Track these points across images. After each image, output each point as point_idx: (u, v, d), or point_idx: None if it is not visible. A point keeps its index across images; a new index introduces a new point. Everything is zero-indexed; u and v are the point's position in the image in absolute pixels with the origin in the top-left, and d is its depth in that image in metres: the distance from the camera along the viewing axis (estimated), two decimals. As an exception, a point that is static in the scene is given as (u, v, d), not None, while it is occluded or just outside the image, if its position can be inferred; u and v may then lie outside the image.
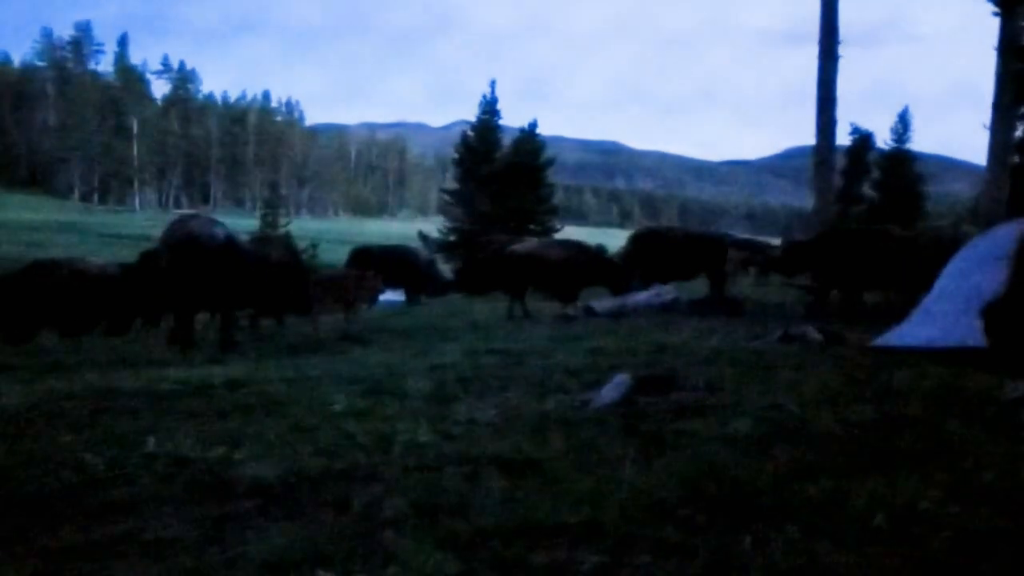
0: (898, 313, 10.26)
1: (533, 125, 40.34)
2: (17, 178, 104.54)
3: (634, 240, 18.12)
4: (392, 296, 22.26)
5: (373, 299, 16.49)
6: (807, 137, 20.93)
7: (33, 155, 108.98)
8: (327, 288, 14.71)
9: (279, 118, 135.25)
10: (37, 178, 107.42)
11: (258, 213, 47.07)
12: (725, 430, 5.25)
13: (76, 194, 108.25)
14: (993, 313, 8.47)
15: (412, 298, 22.31)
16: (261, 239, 19.14)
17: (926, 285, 9.83)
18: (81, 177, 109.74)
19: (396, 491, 4.15)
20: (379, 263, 20.17)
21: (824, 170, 20.62)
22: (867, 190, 44.68)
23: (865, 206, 43.20)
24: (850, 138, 43.44)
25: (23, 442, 5.51)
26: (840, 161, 34.61)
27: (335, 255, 28.78)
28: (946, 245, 12.02)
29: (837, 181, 28.57)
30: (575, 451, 4.85)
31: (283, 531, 3.66)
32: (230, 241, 12.67)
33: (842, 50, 20.16)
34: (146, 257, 14.25)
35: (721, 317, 13.26)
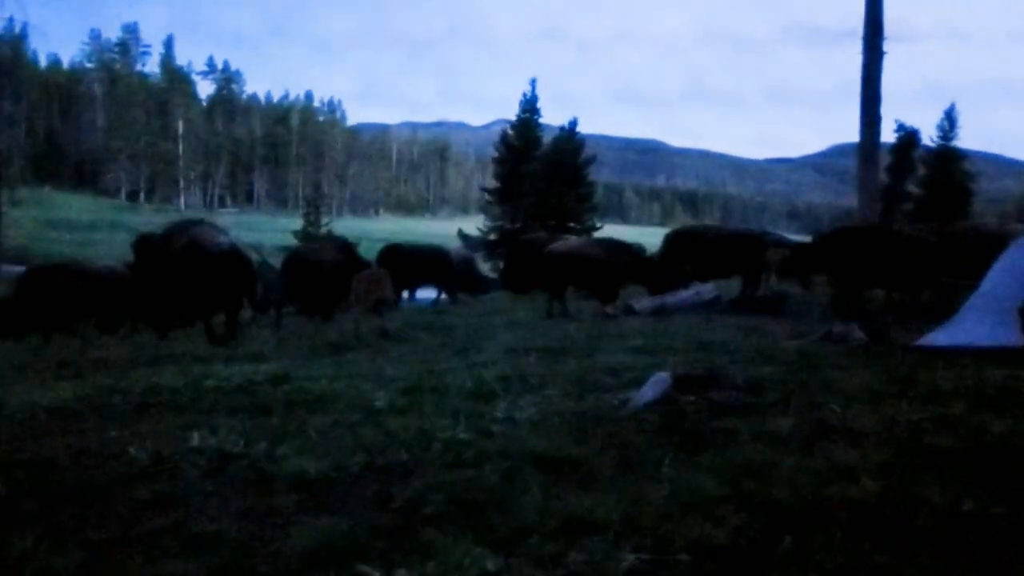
0: (942, 312, 10.11)
1: (573, 123, 40.30)
2: (66, 178, 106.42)
3: (670, 239, 17.96)
4: (425, 294, 22.35)
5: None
6: (852, 134, 20.71)
7: (81, 155, 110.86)
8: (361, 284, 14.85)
9: (321, 118, 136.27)
10: (85, 177, 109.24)
11: (300, 212, 47.45)
12: (766, 429, 5.22)
13: (123, 193, 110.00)
14: None
15: (450, 296, 22.34)
16: (319, 240, 19.56)
17: (935, 284, 9.69)
18: (128, 176, 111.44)
19: (436, 487, 4.18)
20: (409, 261, 20.27)
21: (868, 168, 20.35)
22: (913, 188, 44.00)
23: (911, 204, 42.54)
24: (896, 135, 42.80)
25: (72, 436, 5.63)
26: (886, 159, 34.14)
27: (375, 254, 28.94)
28: (988, 243, 11.83)
29: (882, 179, 28.16)
30: (614, 449, 4.85)
31: (324, 526, 3.70)
32: (234, 248, 13.95)
33: (887, 46, 19.90)
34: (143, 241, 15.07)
35: (763, 316, 13.16)
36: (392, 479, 4.39)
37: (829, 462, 4.42)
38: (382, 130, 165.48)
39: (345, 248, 18.02)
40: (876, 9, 19.87)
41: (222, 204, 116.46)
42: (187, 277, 13.21)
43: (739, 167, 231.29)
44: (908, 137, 43.66)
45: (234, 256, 13.85)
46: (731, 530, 3.49)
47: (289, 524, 3.77)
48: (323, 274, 16.59)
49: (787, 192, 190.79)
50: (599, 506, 3.80)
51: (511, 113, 41.29)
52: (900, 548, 3.25)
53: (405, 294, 22.01)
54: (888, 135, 39.16)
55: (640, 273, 16.33)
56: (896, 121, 43.35)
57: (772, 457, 4.55)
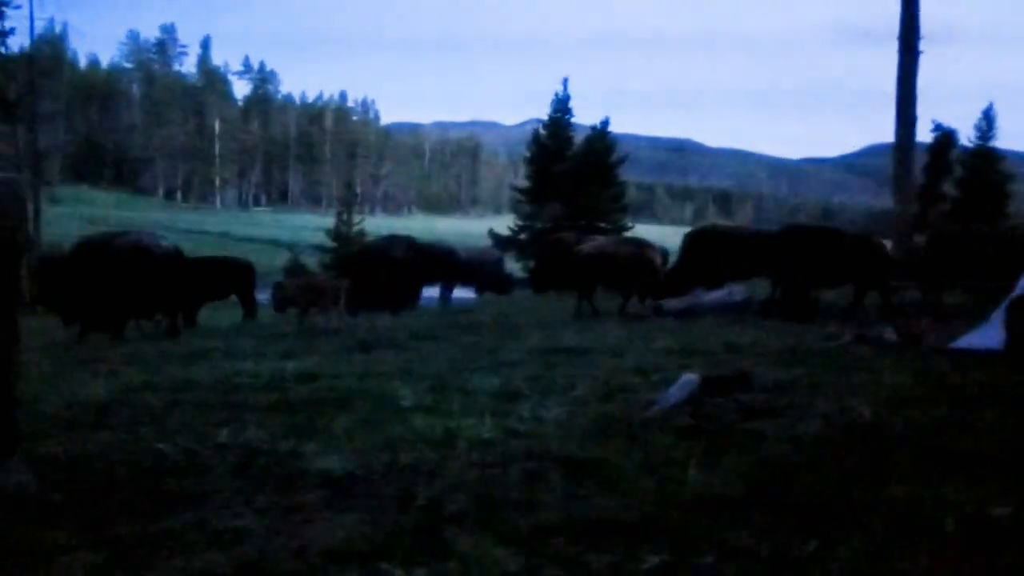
0: (976, 315, 9.97)
1: (605, 123, 40.18)
2: (104, 176, 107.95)
3: (690, 239, 17.13)
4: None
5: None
6: (888, 134, 20.47)
7: (120, 154, 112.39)
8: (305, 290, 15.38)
9: (355, 117, 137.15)
10: (123, 176, 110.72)
11: (334, 211, 47.76)
12: (793, 431, 5.18)
13: (160, 192, 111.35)
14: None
15: (445, 296, 22.36)
16: (386, 239, 20.09)
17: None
18: (165, 175, 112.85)
19: (459, 486, 4.19)
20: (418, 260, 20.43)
21: (904, 168, 20.11)
22: (949, 188, 43.36)
23: (948, 204, 41.92)
24: (932, 135, 42.18)
25: (103, 432, 5.70)
26: (922, 159, 33.69)
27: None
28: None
29: (918, 179, 27.82)
30: (639, 450, 4.83)
31: (348, 523, 3.72)
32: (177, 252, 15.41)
33: (923, 45, 19.63)
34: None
35: (794, 317, 13.04)
36: (416, 478, 4.40)
37: (856, 465, 4.38)
38: (415, 129, 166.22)
39: (411, 245, 18.61)
40: (912, 9, 19.64)
41: (257, 203, 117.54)
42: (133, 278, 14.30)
43: (773, 167, 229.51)
44: (945, 137, 43.00)
45: (176, 258, 15.24)
46: (755, 532, 3.46)
47: (313, 521, 3.79)
48: (394, 270, 17.21)
49: (822, 192, 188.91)
50: (622, 507, 3.79)
51: (543, 112, 41.24)
52: (926, 552, 3.20)
53: (436, 292, 22.21)
54: (925, 135, 38.61)
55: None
56: (933, 121, 42.73)
57: (799, 459, 4.52)
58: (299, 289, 15.26)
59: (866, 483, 4.03)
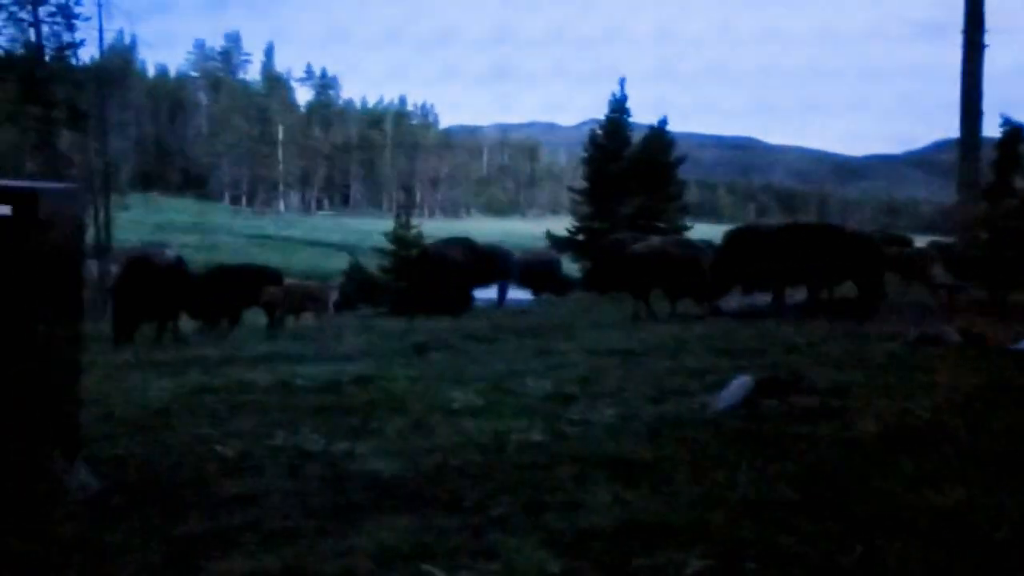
0: None
1: (663, 122, 39.81)
2: (173, 183, 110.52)
3: (729, 239, 16.00)
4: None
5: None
6: (954, 129, 19.98)
7: (187, 160, 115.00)
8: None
9: (414, 121, 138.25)
10: (191, 182, 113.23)
11: (393, 214, 48.20)
12: (848, 435, 5.10)
13: (226, 197, 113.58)
14: None
15: (500, 298, 22.48)
16: (447, 241, 20.53)
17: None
18: (230, 181, 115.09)
19: (506, 489, 4.21)
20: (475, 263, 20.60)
21: (969, 163, 19.62)
22: (1020, 184, 42.06)
23: (1016, 200, 40.69)
24: (1001, 130, 40.99)
25: (164, 433, 5.85)
26: (991, 154, 32.79)
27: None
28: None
29: (986, 175, 27.09)
30: (689, 454, 4.81)
31: (395, 525, 3.76)
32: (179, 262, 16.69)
33: (989, 38, 19.15)
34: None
35: (856, 317, 12.81)
36: (465, 480, 4.44)
37: (911, 469, 4.30)
38: (473, 132, 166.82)
39: (469, 248, 18.96)
40: (976, 2, 19.16)
41: (319, 207, 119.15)
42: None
43: (837, 164, 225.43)
44: (1014, 132, 41.79)
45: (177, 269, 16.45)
46: (802, 538, 3.42)
47: (362, 522, 3.85)
48: (455, 272, 17.58)
49: (887, 189, 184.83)
50: (669, 511, 3.78)
51: (602, 113, 41.02)
52: (977, 561, 3.14)
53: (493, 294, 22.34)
54: (994, 130, 37.52)
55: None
56: (1001, 115, 41.53)
57: (851, 463, 4.45)
58: (284, 294, 16.13)
59: (919, 488, 3.95)
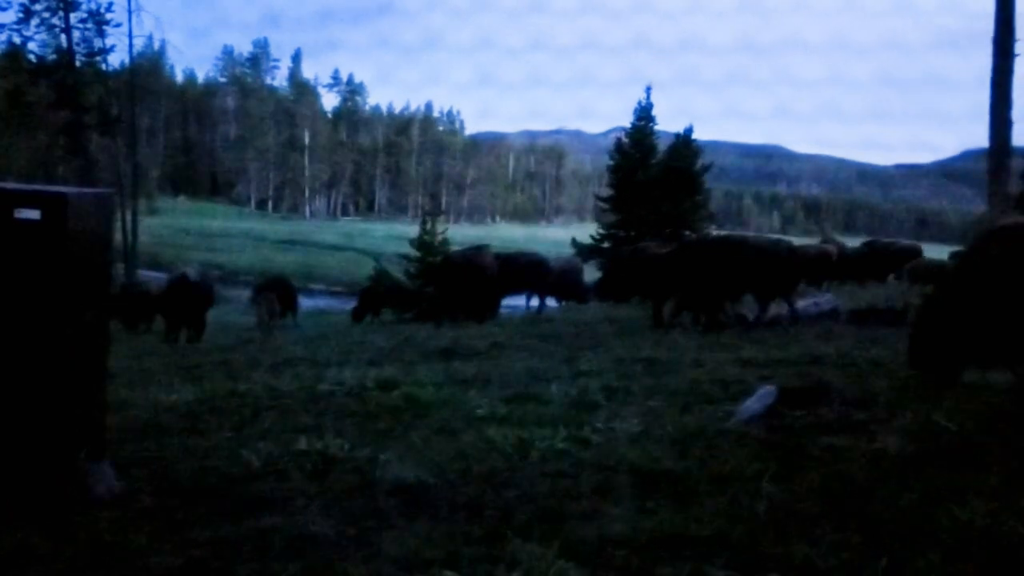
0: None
1: (689, 130, 39.74)
2: (201, 187, 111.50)
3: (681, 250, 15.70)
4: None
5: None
6: (984, 139, 19.73)
7: (215, 166, 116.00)
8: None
9: (441, 128, 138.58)
10: (219, 187, 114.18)
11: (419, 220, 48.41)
12: (873, 447, 5.05)
13: (253, 203, 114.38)
14: None
15: (539, 305, 22.55)
16: (477, 248, 20.92)
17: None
18: (258, 186, 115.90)
19: (529, 497, 4.22)
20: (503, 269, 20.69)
21: (999, 173, 19.37)
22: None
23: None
24: (1032, 139, 40.51)
25: (190, 437, 5.90)
26: (1021, 164, 32.39)
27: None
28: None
29: (1017, 185, 26.76)
30: (713, 464, 4.78)
31: (418, 531, 3.78)
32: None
33: (1021, 47, 18.90)
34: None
35: (887, 328, 12.68)
36: (487, 487, 4.45)
37: (937, 482, 4.25)
38: (500, 139, 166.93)
39: (496, 255, 19.31)
40: (1008, 8, 18.93)
41: (345, 212, 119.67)
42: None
43: (865, 173, 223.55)
44: (1047, 140, 41.24)
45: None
46: (826, 549, 3.40)
47: (384, 528, 3.86)
48: (484, 278, 17.87)
49: (916, 199, 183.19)
50: (691, 521, 3.77)
51: (628, 121, 41.00)
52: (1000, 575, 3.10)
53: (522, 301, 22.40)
54: (1024, 139, 37.09)
55: None
56: (1032, 125, 41.01)
57: (877, 475, 4.41)
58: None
59: (945, 501, 3.91)
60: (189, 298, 18.62)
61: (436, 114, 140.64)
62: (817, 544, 3.45)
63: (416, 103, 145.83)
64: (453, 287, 18.96)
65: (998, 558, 3.26)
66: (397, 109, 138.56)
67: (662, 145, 40.42)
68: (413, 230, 38.85)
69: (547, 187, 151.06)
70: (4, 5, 40.92)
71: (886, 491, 4.10)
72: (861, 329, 12.61)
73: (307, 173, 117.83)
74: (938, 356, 7.14)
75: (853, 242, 30.14)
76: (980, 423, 5.61)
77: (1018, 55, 18.88)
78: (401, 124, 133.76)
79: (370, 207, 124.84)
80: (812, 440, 5.27)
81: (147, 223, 46.18)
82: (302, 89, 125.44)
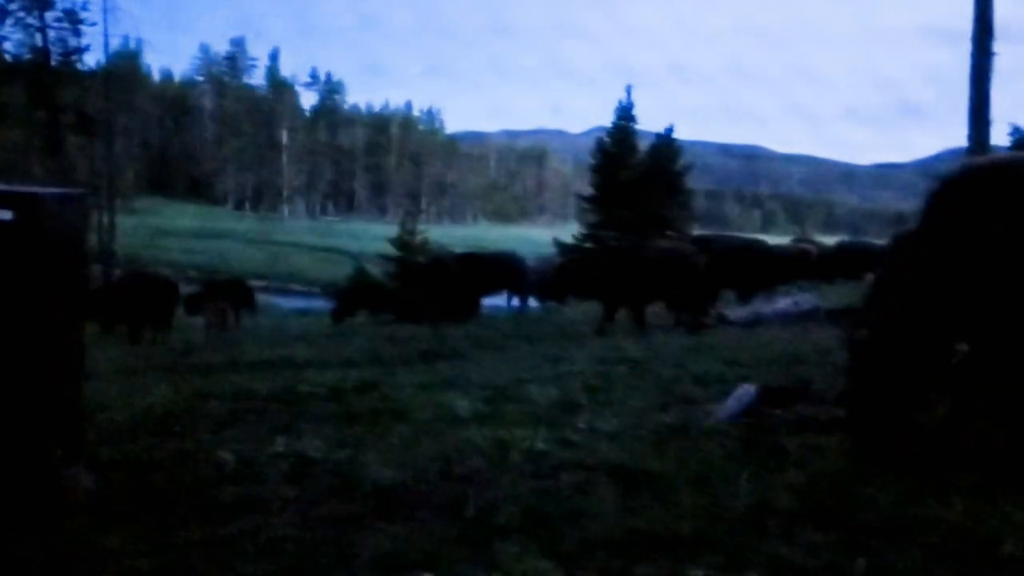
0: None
1: (670, 130, 39.79)
2: (178, 187, 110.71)
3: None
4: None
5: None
6: (964, 139, 19.87)
7: (192, 165, 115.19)
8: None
9: (421, 127, 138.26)
10: (196, 187, 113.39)
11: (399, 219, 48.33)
12: (852, 444, 5.06)
13: (231, 202, 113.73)
14: None
15: (520, 304, 22.71)
16: (447, 250, 21.28)
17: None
18: (235, 185, 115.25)
19: (509, 497, 4.19)
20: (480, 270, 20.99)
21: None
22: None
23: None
24: (1010, 139, 40.87)
25: (166, 440, 5.83)
26: (999, 163, 32.60)
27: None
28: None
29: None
30: (693, 463, 4.78)
31: (396, 533, 3.75)
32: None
33: (999, 47, 19.07)
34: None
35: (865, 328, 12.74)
36: (467, 488, 4.41)
37: (918, 481, 4.26)
38: (481, 138, 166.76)
39: (472, 256, 19.97)
40: (986, 8, 19.09)
41: (324, 212, 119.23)
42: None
43: (847, 173, 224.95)
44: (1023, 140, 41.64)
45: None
46: (805, 548, 3.40)
47: (363, 530, 3.83)
48: (460, 279, 18.30)
49: (898, 199, 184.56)
50: (672, 520, 3.76)
51: (608, 120, 40.99)
52: (982, 574, 3.10)
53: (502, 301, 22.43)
54: (1003, 139, 37.40)
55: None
56: (1010, 124, 41.40)
57: (857, 474, 4.42)
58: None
59: (926, 499, 3.92)
60: (153, 296, 18.97)
61: (416, 113, 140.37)
62: (797, 543, 3.45)
63: (395, 102, 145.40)
64: (431, 287, 19.13)
65: (977, 556, 3.26)
66: (377, 108, 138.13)
67: (643, 145, 40.45)
68: (393, 230, 38.77)
69: (528, 187, 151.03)
70: (-21, 6, 40.49)
71: (867, 489, 4.11)
72: (840, 329, 12.67)
73: (285, 173, 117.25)
74: None
75: (833, 242, 30.42)
76: (963, 419, 5.61)
77: (996, 54, 19.04)
78: (381, 123, 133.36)
79: (350, 206, 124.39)
80: (791, 439, 5.27)
81: (124, 224, 45.75)
82: (280, 88, 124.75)
